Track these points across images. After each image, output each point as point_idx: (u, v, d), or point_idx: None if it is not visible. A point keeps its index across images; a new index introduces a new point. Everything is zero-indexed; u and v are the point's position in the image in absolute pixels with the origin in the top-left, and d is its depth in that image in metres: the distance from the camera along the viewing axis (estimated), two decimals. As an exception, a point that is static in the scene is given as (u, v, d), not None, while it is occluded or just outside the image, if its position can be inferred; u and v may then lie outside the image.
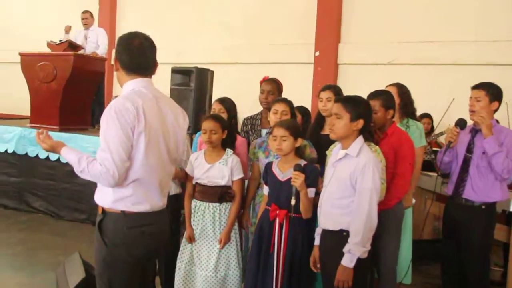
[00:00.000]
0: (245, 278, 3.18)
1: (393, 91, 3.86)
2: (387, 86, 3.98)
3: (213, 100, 5.18)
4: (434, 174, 4.84)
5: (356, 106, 2.67)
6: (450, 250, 3.39)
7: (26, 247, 4.79)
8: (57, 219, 5.78)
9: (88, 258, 3.80)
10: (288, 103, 3.41)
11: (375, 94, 3.31)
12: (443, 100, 6.01)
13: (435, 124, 5.92)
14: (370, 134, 2.87)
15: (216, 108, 3.62)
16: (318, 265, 2.86)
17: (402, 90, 3.87)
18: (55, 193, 5.90)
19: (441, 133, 5.20)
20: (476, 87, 3.39)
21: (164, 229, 2.46)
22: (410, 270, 3.90)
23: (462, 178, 3.38)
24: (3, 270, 4.26)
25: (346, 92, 6.67)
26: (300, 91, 6.84)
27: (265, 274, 3.00)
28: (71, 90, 6.03)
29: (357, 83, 7.03)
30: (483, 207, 3.27)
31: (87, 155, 2.22)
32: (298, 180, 2.83)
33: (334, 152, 2.82)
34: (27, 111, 6.67)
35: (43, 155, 5.88)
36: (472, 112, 3.37)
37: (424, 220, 4.37)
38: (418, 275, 4.45)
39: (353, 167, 2.60)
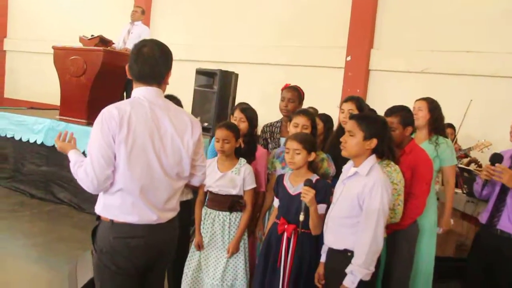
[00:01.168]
0: (251, 290, 3.15)
1: (423, 106, 3.72)
2: (417, 100, 3.83)
3: (236, 103, 5.19)
4: (459, 190, 4.70)
5: (370, 125, 2.58)
6: (475, 284, 3.21)
7: (46, 238, 4.89)
8: (79, 211, 5.88)
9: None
10: (310, 116, 3.33)
11: (393, 111, 3.19)
12: (476, 113, 5.82)
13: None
14: (391, 151, 2.78)
15: (237, 116, 3.52)
16: (323, 282, 2.80)
17: (433, 105, 3.69)
18: (79, 186, 5.94)
19: (470, 149, 5.01)
20: None
21: (162, 242, 2.39)
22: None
23: (498, 208, 3.13)
24: (20, 260, 4.36)
25: (377, 99, 6.74)
26: (329, 96, 6.77)
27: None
28: (99, 85, 6.11)
29: (387, 90, 6.90)
30: None
31: (80, 157, 2.32)
32: (307, 196, 2.76)
33: (346, 169, 2.76)
34: (57, 101, 6.81)
35: (69, 147, 5.98)
36: None
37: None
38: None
39: (362, 186, 2.53)
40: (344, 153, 2.67)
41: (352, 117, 2.66)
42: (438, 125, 3.72)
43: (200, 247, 3.25)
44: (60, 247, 4.70)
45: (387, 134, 2.69)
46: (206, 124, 4.82)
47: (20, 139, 6.42)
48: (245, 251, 3.27)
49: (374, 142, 2.58)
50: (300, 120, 3.27)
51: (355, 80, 7.12)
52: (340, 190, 2.68)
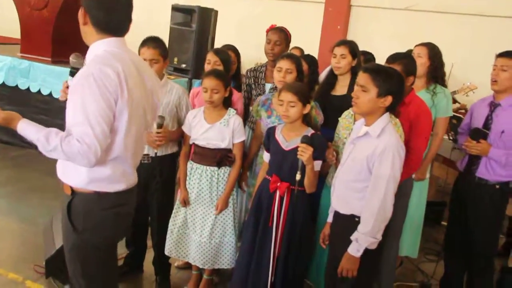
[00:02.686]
0: (240, 249, 3.02)
1: (423, 52, 3.53)
2: (416, 45, 3.62)
3: (215, 43, 4.86)
4: (445, 136, 4.61)
5: (387, 80, 2.32)
6: (456, 228, 3.19)
7: (17, 187, 4.63)
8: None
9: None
10: (295, 59, 3.09)
11: (396, 58, 2.97)
12: (462, 53, 5.66)
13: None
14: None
15: (211, 59, 3.29)
16: (327, 243, 2.69)
17: (434, 51, 3.50)
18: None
19: (454, 92, 4.88)
20: (504, 54, 3.02)
21: (133, 209, 2.21)
22: (418, 245, 3.76)
23: (476, 155, 3.09)
24: (-7, 213, 4.10)
25: (358, 36, 6.47)
26: (308, 32, 6.46)
27: (263, 247, 2.82)
28: (64, 19, 5.58)
29: (369, 27, 6.64)
30: (497, 186, 3.03)
31: (55, 130, 1.86)
32: (305, 153, 2.57)
33: (357, 127, 2.54)
34: (17, 33, 6.27)
35: (34, 88, 5.60)
36: (494, 82, 3.04)
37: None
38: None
39: (372, 149, 2.33)
40: (355, 110, 2.45)
41: (365, 69, 2.38)
42: (437, 73, 3.56)
43: (186, 203, 3.08)
44: (32, 197, 4.46)
45: (402, 91, 2.45)
46: (184, 65, 4.50)
47: (-22, 79, 5.93)
48: (234, 206, 3.11)
49: (389, 99, 2.33)
50: (283, 64, 3.03)
51: (335, 15, 6.79)
52: (349, 150, 2.49)
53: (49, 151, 1.84)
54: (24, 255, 3.44)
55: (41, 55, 5.68)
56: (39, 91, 5.57)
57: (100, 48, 1.95)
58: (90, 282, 2.13)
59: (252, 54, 5.17)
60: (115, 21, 1.98)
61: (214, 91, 2.92)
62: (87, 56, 1.99)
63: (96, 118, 1.83)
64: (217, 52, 3.33)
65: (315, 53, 6.34)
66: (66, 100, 1.95)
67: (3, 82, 5.72)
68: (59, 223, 3.27)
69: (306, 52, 4.49)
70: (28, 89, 5.63)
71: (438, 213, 4.95)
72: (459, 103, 5.25)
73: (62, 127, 5.73)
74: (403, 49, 4.68)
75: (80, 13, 1.96)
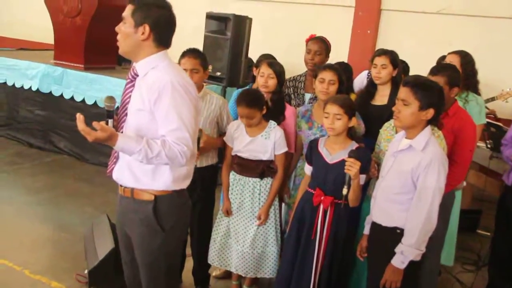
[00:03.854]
0: (281, 260, 3.02)
1: (455, 60, 3.50)
2: (449, 53, 3.60)
3: (250, 51, 4.85)
4: (482, 144, 4.55)
5: (428, 93, 2.32)
6: (503, 244, 3.13)
7: (51, 194, 4.69)
8: (82, 162, 5.65)
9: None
10: (337, 70, 3.07)
11: (439, 69, 2.94)
12: (493, 57, 5.56)
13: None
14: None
15: (265, 72, 3.17)
16: (365, 255, 2.68)
17: (466, 60, 3.49)
18: (79, 135, 5.59)
19: (493, 99, 4.80)
20: None
21: None
22: (453, 253, 3.74)
23: None
24: (29, 220, 4.16)
25: (388, 41, 6.40)
26: (337, 37, 6.37)
27: (305, 260, 2.82)
28: (96, 27, 5.66)
29: (400, 32, 6.55)
30: None
31: (150, 139, 1.98)
32: (353, 168, 2.56)
33: (396, 140, 2.54)
34: (49, 39, 6.35)
35: (67, 95, 5.67)
36: None
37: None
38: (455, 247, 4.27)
39: (417, 162, 2.33)
40: (397, 124, 2.45)
41: (406, 83, 2.38)
42: (470, 81, 3.54)
43: (228, 213, 3.09)
44: (68, 204, 4.52)
45: (443, 103, 2.44)
46: (218, 73, 4.51)
47: (13, 85, 6.03)
48: (276, 217, 3.11)
49: (431, 112, 2.34)
50: (326, 75, 3.03)
51: (365, 20, 6.71)
52: (391, 163, 2.48)
53: (151, 158, 1.96)
54: (64, 264, 3.48)
55: (74, 61, 5.74)
56: (72, 98, 5.64)
57: (160, 59, 2.09)
58: (169, 278, 2.28)
59: (281, 60, 5.16)
60: (172, 35, 2.13)
61: (249, 118, 2.94)
62: (142, 68, 2.09)
63: (189, 121, 2.02)
64: (271, 64, 3.22)
65: (344, 58, 6.33)
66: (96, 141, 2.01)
67: (37, 89, 5.81)
68: (101, 232, 3.34)
69: (337, 56, 4.46)
70: (61, 95, 5.70)
71: (473, 221, 4.87)
72: (488, 108, 5.16)
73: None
74: (434, 54, 4.67)
75: (142, 30, 2.02)
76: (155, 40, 2.06)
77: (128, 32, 2.04)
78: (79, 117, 1.93)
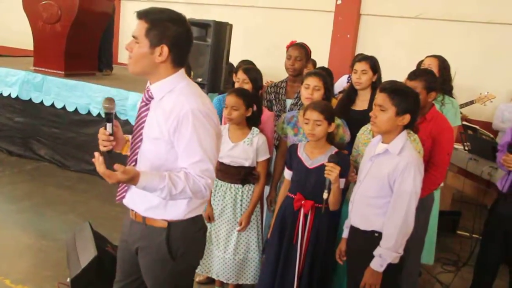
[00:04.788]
0: (263, 265, 3.04)
1: (434, 64, 3.60)
2: (427, 57, 3.70)
3: (231, 56, 4.88)
4: (460, 146, 4.64)
5: (404, 99, 2.38)
6: (492, 249, 3.17)
7: (32, 202, 4.64)
8: (63, 169, 5.60)
9: (98, 224, 3.69)
10: (322, 77, 3.11)
11: (417, 74, 3.00)
12: (471, 61, 5.68)
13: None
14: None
15: (240, 77, 3.30)
16: (344, 258, 2.72)
17: (444, 65, 3.61)
18: (60, 142, 5.68)
19: (471, 102, 4.90)
20: None
21: None
22: (433, 252, 3.80)
23: None
24: (10, 228, 4.11)
25: (368, 46, 6.48)
26: (317, 42, 6.46)
27: (287, 264, 2.86)
28: (76, 33, 5.61)
29: (379, 36, 6.67)
30: None
31: (172, 172, 1.85)
32: (333, 173, 2.61)
33: (373, 144, 2.58)
34: (28, 45, 6.28)
35: (48, 102, 5.61)
36: None
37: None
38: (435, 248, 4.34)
39: (393, 166, 2.38)
40: (374, 129, 2.49)
41: (383, 89, 2.44)
42: (446, 86, 3.65)
43: (210, 219, 3.11)
44: (49, 212, 4.47)
45: (419, 109, 2.50)
46: (200, 79, 4.52)
47: (-8, 91, 5.95)
48: (258, 223, 3.14)
49: (407, 118, 2.39)
50: (311, 81, 3.07)
51: (345, 25, 6.82)
52: (368, 167, 2.52)
53: (174, 195, 1.85)
54: (46, 273, 3.45)
55: (54, 68, 5.68)
56: (52, 105, 5.59)
57: (177, 81, 1.94)
58: None
59: (259, 65, 5.21)
60: (189, 53, 1.99)
61: (234, 108, 2.95)
62: (158, 90, 1.94)
63: (212, 151, 1.91)
64: (246, 70, 3.31)
65: (325, 63, 6.41)
66: (110, 150, 1.98)
67: (17, 96, 5.74)
68: (83, 240, 3.32)
69: (318, 61, 4.51)
70: (41, 102, 5.65)
71: (453, 223, 4.96)
72: (461, 113, 5.26)
73: (74, 139, 5.69)
74: (412, 58, 4.76)
75: (160, 51, 1.86)
76: (173, 61, 1.91)
77: (143, 53, 1.87)
78: (98, 158, 1.77)
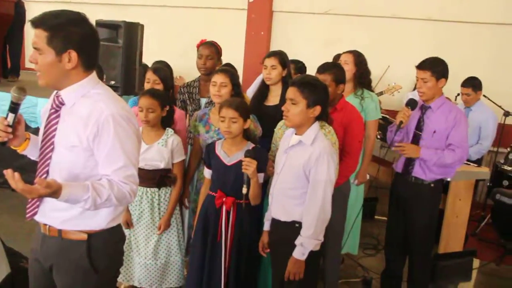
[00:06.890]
0: (189, 266, 3.01)
1: (349, 59, 3.70)
2: (343, 53, 3.81)
3: (145, 57, 4.78)
4: (374, 135, 4.83)
5: (313, 91, 2.45)
6: (396, 227, 3.36)
7: None
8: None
9: (11, 240, 3.46)
10: (228, 73, 3.12)
11: (326, 68, 3.10)
12: (381, 55, 5.94)
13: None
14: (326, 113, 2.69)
15: (150, 78, 3.25)
16: (267, 251, 2.76)
17: (359, 59, 3.70)
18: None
19: (381, 93, 5.14)
20: (420, 67, 3.10)
21: None
22: (358, 242, 3.94)
23: (411, 157, 3.22)
24: None
25: (281, 41, 6.59)
26: (232, 40, 6.51)
27: (213, 262, 2.84)
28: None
29: (292, 32, 6.80)
30: (432, 185, 3.19)
31: (95, 181, 1.77)
32: (250, 167, 2.63)
33: (287, 136, 2.63)
34: None
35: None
36: (421, 93, 3.15)
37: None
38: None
39: (307, 156, 2.44)
40: (287, 123, 2.54)
41: (293, 84, 2.49)
42: (364, 79, 3.76)
43: (129, 225, 3.02)
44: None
45: (328, 99, 2.59)
46: (113, 82, 4.38)
47: None
48: (178, 226, 3.11)
49: (317, 109, 2.47)
50: (218, 78, 3.07)
51: (258, 22, 6.89)
52: (283, 160, 2.57)
53: (99, 204, 1.75)
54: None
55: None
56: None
57: (90, 85, 1.85)
58: None
59: (175, 66, 5.16)
60: (98, 53, 1.89)
61: (150, 110, 2.90)
62: (69, 97, 1.83)
63: (134, 156, 1.87)
64: (156, 70, 3.28)
65: (240, 60, 6.46)
66: (5, 142, 1.85)
67: None
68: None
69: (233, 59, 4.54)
70: None
71: (371, 208, 5.19)
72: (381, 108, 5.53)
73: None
74: (326, 53, 4.91)
75: (67, 57, 1.76)
76: (83, 65, 1.81)
77: (51, 63, 1.75)
78: (14, 175, 1.59)
